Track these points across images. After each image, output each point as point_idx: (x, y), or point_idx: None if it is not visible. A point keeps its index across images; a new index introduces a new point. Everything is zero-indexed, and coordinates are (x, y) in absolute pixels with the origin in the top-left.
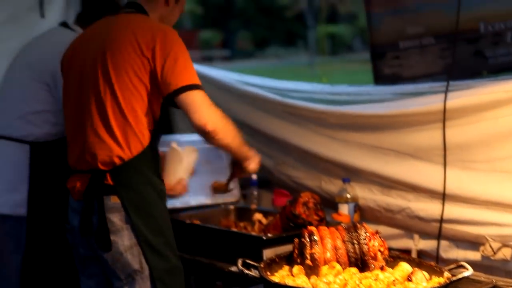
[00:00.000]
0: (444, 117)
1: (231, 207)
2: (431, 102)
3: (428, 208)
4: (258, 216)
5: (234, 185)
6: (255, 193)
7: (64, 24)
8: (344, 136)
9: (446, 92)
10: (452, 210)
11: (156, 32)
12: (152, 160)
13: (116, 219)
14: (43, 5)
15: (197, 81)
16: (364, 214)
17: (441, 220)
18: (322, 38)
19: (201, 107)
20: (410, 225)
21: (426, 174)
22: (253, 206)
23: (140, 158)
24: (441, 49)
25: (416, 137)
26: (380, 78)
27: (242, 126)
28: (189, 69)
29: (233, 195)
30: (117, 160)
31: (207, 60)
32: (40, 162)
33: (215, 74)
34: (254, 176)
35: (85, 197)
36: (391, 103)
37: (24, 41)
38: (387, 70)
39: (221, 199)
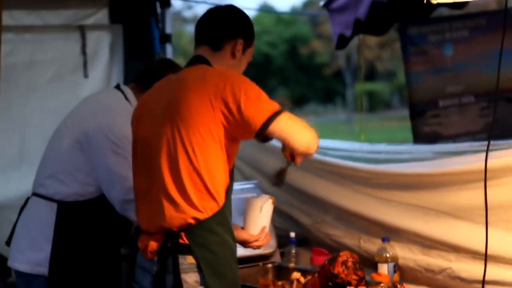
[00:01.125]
0: (485, 176)
1: (269, 265)
2: (472, 162)
3: (470, 268)
4: (296, 275)
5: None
6: (293, 251)
7: (117, 86)
8: (384, 194)
9: (487, 151)
10: (495, 271)
11: (220, 79)
12: (226, 219)
13: (191, 279)
14: (87, 66)
15: (276, 106)
16: (404, 274)
17: (483, 282)
18: (360, 95)
19: (292, 131)
20: (451, 285)
21: (468, 234)
22: (291, 265)
23: (216, 217)
24: (481, 108)
25: (457, 197)
26: (419, 137)
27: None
28: (265, 99)
29: (270, 246)
30: (192, 221)
31: None
32: (66, 222)
33: None
34: (292, 235)
35: (159, 257)
36: (431, 162)
37: (68, 100)
38: (427, 129)
39: (258, 251)
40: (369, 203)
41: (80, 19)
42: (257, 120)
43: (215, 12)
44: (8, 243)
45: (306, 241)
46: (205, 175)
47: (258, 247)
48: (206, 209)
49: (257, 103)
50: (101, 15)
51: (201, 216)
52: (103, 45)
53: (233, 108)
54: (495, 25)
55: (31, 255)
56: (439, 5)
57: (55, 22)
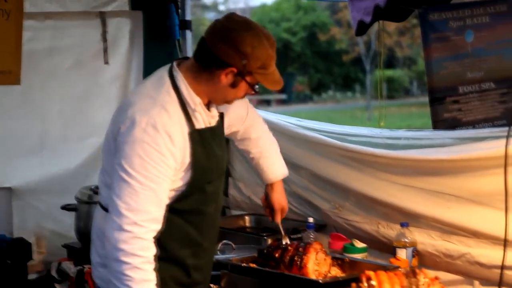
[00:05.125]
0: (505, 162)
1: None
2: (492, 147)
3: (489, 254)
4: None
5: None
6: (312, 236)
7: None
8: (403, 180)
9: (507, 137)
10: None
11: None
12: None
13: None
14: (107, 52)
15: None
16: (423, 259)
17: (502, 267)
18: (379, 82)
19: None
20: (470, 271)
21: (488, 219)
22: None
23: None
24: (501, 94)
25: (477, 182)
26: (439, 123)
27: (300, 169)
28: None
29: None
30: None
31: (264, 103)
32: None
33: (273, 118)
34: (311, 220)
35: None
36: (452, 147)
37: (88, 87)
38: (446, 115)
39: None
40: (388, 189)
41: (101, 6)
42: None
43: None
44: None
45: (324, 226)
46: None
47: None
48: None
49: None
50: (121, 2)
51: None
52: (123, 32)
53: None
54: None
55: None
56: None
57: (76, 8)
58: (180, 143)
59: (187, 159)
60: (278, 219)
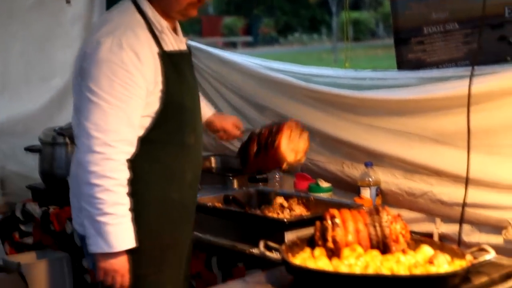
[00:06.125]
0: (468, 101)
1: (253, 190)
2: (456, 87)
3: (451, 192)
4: (280, 199)
5: None
6: (277, 176)
7: None
8: (368, 120)
9: (471, 77)
10: (475, 194)
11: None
12: None
13: None
14: None
15: None
16: (386, 198)
17: (464, 204)
18: (345, 24)
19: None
20: (432, 208)
21: (450, 158)
22: (275, 190)
23: None
24: (465, 34)
25: (441, 122)
26: (403, 64)
27: (265, 110)
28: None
29: None
30: None
31: (230, 46)
32: None
33: (239, 59)
34: None
35: None
36: (416, 88)
37: (50, 27)
38: (411, 56)
39: None
40: (353, 129)
41: None
42: None
43: None
44: None
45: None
46: None
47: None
48: None
49: None
50: None
51: None
52: None
53: None
54: None
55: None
56: None
57: None
58: (149, 62)
59: (159, 78)
60: (236, 132)
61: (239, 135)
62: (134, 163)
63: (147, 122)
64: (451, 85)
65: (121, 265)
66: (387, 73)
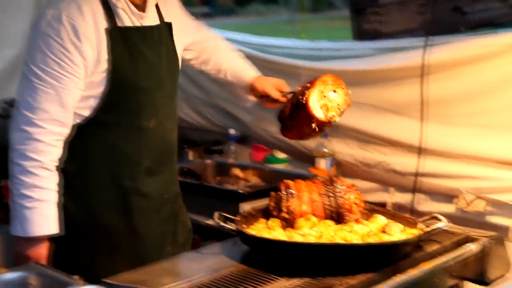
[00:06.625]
0: (422, 72)
1: (209, 161)
2: (410, 58)
3: (404, 161)
4: (235, 170)
5: None
6: (233, 148)
7: None
8: None
9: (425, 47)
10: (428, 164)
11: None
12: None
13: None
14: None
15: None
16: (342, 168)
17: (417, 174)
18: None
19: None
20: (386, 178)
21: (404, 128)
22: (231, 161)
23: None
24: (420, 5)
25: (395, 92)
26: (359, 34)
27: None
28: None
29: None
30: None
31: None
32: None
33: None
34: (232, 132)
35: None
36: (371, 58)
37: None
38: (367, 26)
39: None
40: None
41: None
42: None
43: None
44: None
45: (246, 138)
46: None
47: None
48: None
49: None
50: None
51: None
52: None
53: None
54: None
55: None
56: None
57: None
58: (90, 38)
59: (105, 56)
60: (276, 94)
61: (281, 98)
62: (79, 144)
63: (94, 102)
64: (405, 56)
65: (37, 252)
66: (343, 44)
